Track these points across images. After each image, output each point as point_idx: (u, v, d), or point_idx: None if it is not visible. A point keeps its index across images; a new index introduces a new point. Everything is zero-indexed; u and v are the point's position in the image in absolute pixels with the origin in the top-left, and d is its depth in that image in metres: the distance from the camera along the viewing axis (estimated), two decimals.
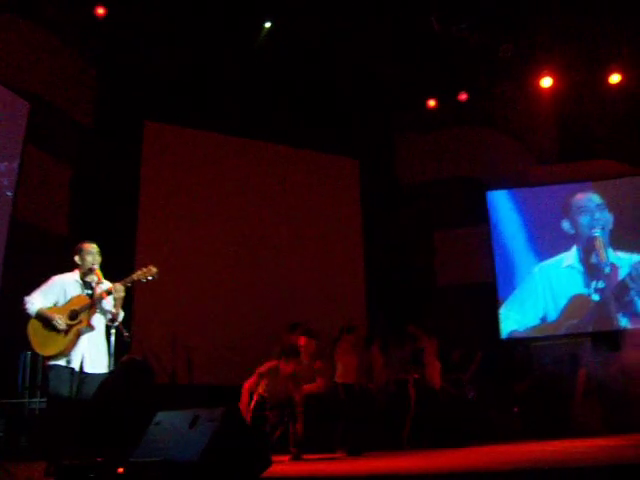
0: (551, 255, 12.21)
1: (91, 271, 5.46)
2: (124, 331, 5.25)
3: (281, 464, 6.32)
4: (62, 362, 5.23)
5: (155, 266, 5.51)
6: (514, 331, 12.01)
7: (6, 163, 9.02)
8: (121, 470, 3.96)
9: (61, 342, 5.23)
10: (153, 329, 9.81)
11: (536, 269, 12.22)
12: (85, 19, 10.16)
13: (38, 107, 9.50)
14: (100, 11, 10.01)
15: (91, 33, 10.47)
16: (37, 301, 5.29)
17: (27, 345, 5.36)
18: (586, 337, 11.59)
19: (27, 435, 7.74)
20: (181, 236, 11.13)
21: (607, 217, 12.07)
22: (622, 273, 11.80)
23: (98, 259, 5.54)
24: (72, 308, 5.30)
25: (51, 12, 9.88)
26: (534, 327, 12.02)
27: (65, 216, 10.17)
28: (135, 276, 5.47)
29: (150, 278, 5.49)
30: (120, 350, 5.45)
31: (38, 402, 7.77)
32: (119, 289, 5.36)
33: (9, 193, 9.03)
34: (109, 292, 5.33)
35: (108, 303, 5.35)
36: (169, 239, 11.00)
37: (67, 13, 10.09)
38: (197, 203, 11.48)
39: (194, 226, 11.33)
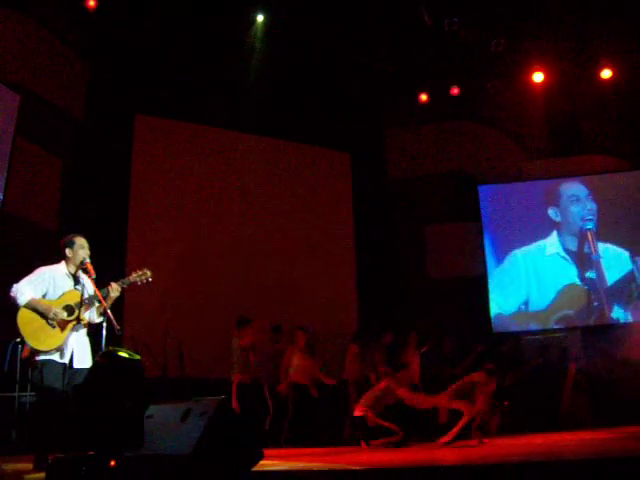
0: (543, 248, 12.25)
1: (82, 264, 5.46)
2: (116, 325, 5.24)
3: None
4: (55, 357, 5.22)
5: (149, 267, 5.62)
6: (498, 314, 12.07)
7: None
8: (113, 463, 3.95)
9: (58, 337, 5.21)
10: (145, 322, 9.78)
11: (518, 254, 12.27)
12: (76, 11, 10.11)
13: (29, 100, 9.45)
14: (91, 3, 9.95)
15: (82, 25, 10.42)
16: (27, 291, 5.25)
17: (15, 335, 5.33)
18: (577, 330, 11.65)
19: (17, 429, 7.72)
20: (172, 229, 11.11)
21: (598, 209, 12.11)
22: (612, 265, 11.85)
23: (88, 253, 5.54)
24: (67, 303, 5.29)
25: (42, 4, 9.83)
26: (518, 313, 12.09)
27: (55, 209, 10.13)
28: (132, 278, 5.54)
29: (145, 281, 5.57)
30: (112, 344, 5.44)
31: (28, 396, 7.74)
32: (116, 289, 5.40)
33: None
34: (105, 295, 5.35)
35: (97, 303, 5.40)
36: (160, 232, 10.98)
37: (58, 5, 10.04)
38: (188, 196, 11.45)
39: (185, 219, 11.32)
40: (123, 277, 5.65)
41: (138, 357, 4.61)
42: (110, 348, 4.73)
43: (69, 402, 5.02)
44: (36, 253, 8.94)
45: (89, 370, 5.07)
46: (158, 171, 11.31)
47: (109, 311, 5.31)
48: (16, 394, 7.81)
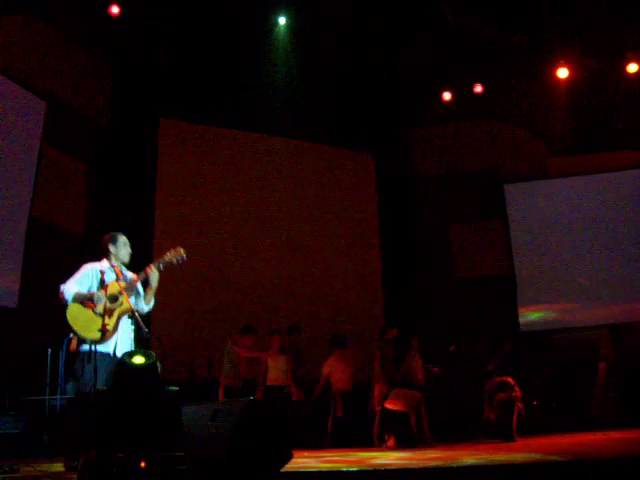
0: (570, 246, 12.10)
1: (122, 263, 5.57)
2: (144, 327, 5.29)
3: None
4: (100, 348, 5.27)
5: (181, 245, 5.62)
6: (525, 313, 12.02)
7: (24, 162, 9.09)
8: (143, 464, 3.97)
9: (106, 324, 5.24)
10: (172, 324, 9.85)
11: None
12: (100, 18, 10.20)
13: (54, 106, 9.57)
14: (114, 10, 10.03)
15: (106, 32, 10.51)
16: (72, 287, 5.37)
17: (54, 338, 5.40)
18: (606, 328, 11.50)
19: (48, 432, 7.80)
20: (198, 233, 11.17)
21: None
22: None
23: (129, 251, 5.67)
24: (110, 293, 5.35)
25: (65, 12, 9.93)
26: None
27: (82, 214, 10.24)
28: (167, 257, 5.54)
29: (180, 260, 5.55)
30: (140, 346, 5.49)
31: (59, 399, 7.81)
32: (155, 271, 5.46)
33: (27, 192, 9.09)
34: (145, 279, 5.42)
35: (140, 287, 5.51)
36: (186, 236, 11.04)
37: (81, 13, 10.14)
38: (213, 199, 11.51)
39: (211, 222, 11.38)
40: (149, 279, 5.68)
41: (153, 359, 4.61)
42: (125, 355, 4.76)
43: (96, 405, 5.06)
44: (64, 257, 9.09)
45: (110, 378, 5.13)
46: (183, 174, 11.38)
47: (137, 314, 5.36)
48: (47, 397, 7.90)
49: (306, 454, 6.87)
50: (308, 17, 10.77)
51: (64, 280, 5.51)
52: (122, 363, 4.68)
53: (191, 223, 11.20)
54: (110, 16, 10.09)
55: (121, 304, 5.36)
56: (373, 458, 6.31)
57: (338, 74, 11.71)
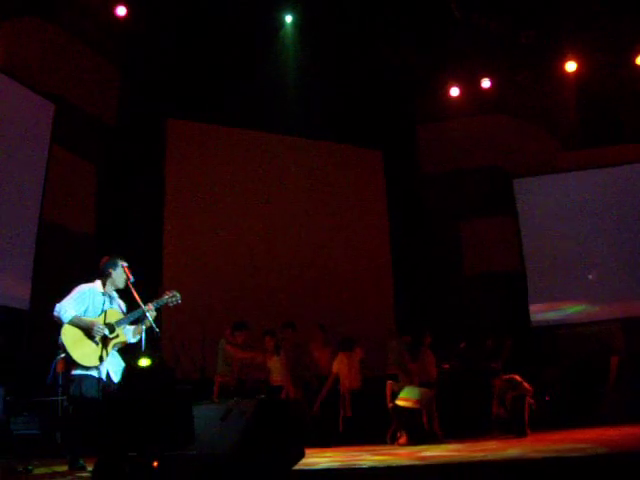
0: (581, 240, 12.04)
1: (115, 289, 5.60)
2: (155, 328, 5.34)
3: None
4: (93, 372, 5.31)
5: (183, 283, 5.76)
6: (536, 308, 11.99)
7: (33, 164, 9.13)
8: (156, 464, 3.99)
9: (101, 353, 5.30)
10: (183, 325, 9.86)
11: None
12: (107, 20, 10.24)
13: (63, 108, 9.60)
14: (121, 12, 10.07)
15: (113, 34, 10.54)
16: (70, 309, 5.38)
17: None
18: (618, 322, 11.44)
19: (61, 432, 7.84)
20: (207, 232, 11.19)
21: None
22: None
23: (127, 277, 5.69)
24: (108, 321, 5.40)
25: (73, 14, 9.97)
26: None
27: (92, 215, 10.28)
28: (164, 299, 5.73)
29: (175, 303, 5.78)
30: (151, 347, 5.52)
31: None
32: (153, 309, 5.53)
33: (37, 194, 9.13)
34: (142, 315, 5.46)
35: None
36: (195, 235, 11.07)
37: (89, 15, 10.17)
38: (222, 199, 11.53)
39: (220, 221, 11.39)
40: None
41: (159, 360, 4.65)
42: (131, 358, 4.80)
43: (106, 409, 5.10)
44: (74, 258, 9.13)
45: (119, 382, 5.20)
46: (191, 174, 11.40)
47: (148, 314, 5.40)
48: (59, 398, 7.93)
49: (329, 451, 6.91)
50: (315, 15, 10.76)
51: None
52: (129, 366, 4.72)
53: (200, 222, 11.22)
54: (117, 17, 10.13)
55: (117, 336, 5.42)
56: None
57: (346, 71, 11.70)
